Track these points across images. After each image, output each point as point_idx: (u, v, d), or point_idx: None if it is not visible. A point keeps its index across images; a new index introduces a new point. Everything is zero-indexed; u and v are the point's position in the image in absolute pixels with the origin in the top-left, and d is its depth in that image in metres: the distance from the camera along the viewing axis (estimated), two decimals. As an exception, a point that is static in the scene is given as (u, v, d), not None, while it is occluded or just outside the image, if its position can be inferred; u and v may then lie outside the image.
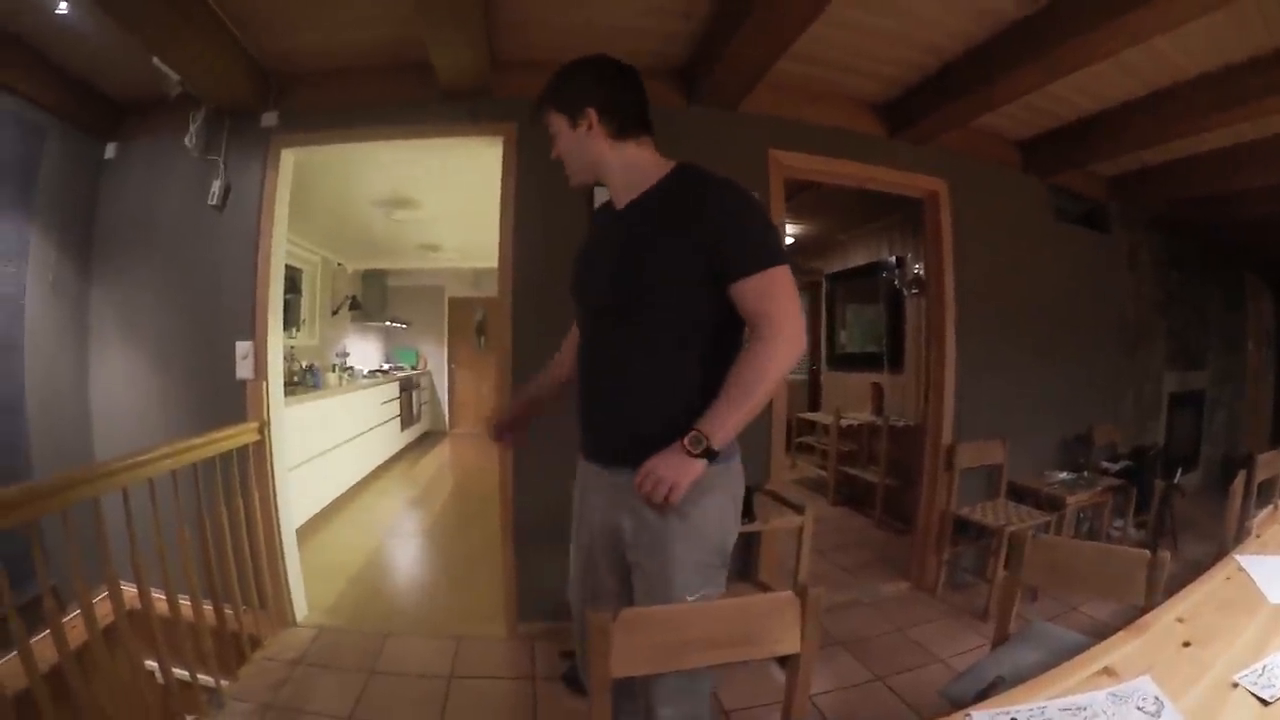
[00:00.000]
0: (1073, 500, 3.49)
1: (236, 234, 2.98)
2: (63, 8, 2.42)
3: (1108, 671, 1.13)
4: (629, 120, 1.43)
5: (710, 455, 1.29)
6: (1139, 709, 1.02)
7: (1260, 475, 2.99)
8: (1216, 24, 2.38)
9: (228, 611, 2.65)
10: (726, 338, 1.39)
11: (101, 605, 2.07)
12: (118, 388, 3.19)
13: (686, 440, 1.27)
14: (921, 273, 4.72)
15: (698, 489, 1.32)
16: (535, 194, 2.90)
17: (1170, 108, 3.07)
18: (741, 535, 2.88)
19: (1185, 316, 5.38)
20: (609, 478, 1.45)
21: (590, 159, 1.44)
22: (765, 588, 2.91)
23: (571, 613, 1.62)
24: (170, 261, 3.10)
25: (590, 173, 1.47)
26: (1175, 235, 5.15)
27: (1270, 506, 2.43)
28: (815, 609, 1.21)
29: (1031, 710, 1.01)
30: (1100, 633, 1.31)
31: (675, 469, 1.28)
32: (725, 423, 1.28)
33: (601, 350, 1.45)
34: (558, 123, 1.44)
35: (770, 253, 1.32)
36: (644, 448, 1.31)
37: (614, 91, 1.43)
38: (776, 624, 1.22)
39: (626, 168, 1.44)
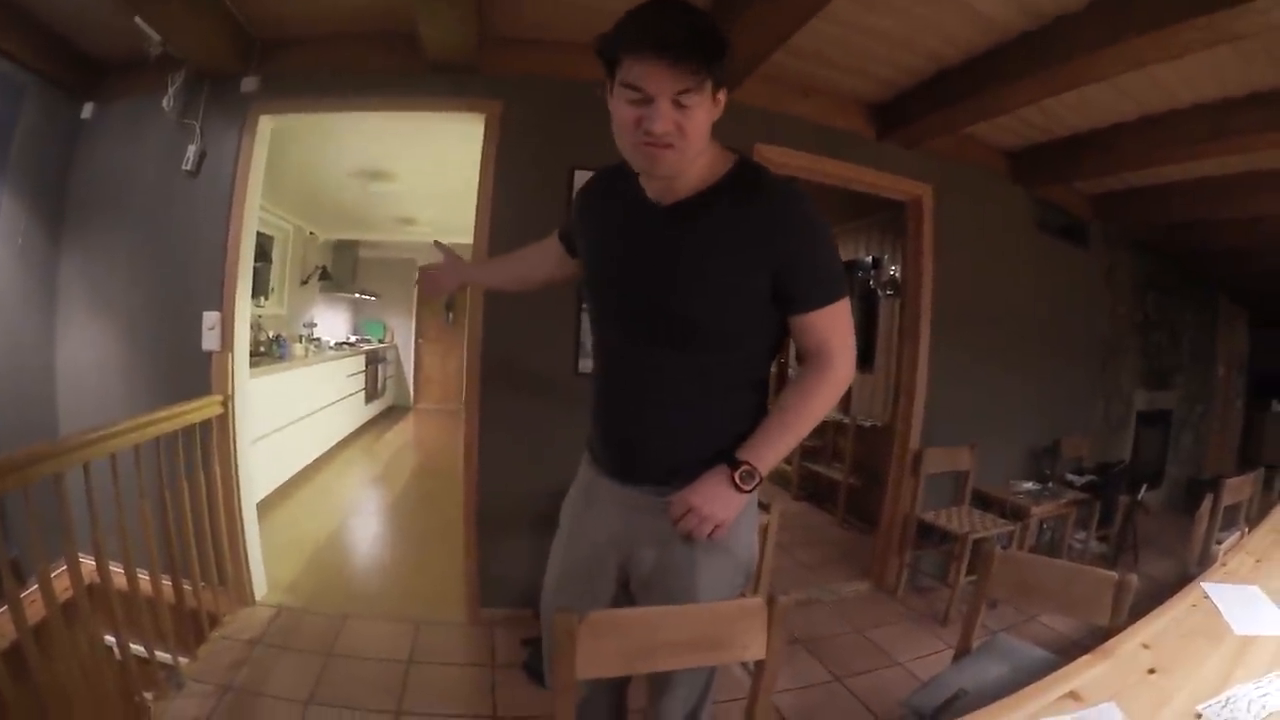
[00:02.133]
0: (1037, 511, 3.53)
1: (209, 202, 2.89)
2: None
3: (1073, 695, 1.13)
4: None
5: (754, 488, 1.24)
6: (1103, 735, 1.01)
7: (1226, 500, 3.04)
8: (1220, 57, 2.39)
9: (187, 588, 2.59)
10: (773, 358, 1.33)
11: (60, 580, 2.01)
12: (84, 355, 3.11)
13: (738, 475, 1.20)
14: (897, 274, 4.74)
15: (735, 520, 1.27)
16: (515, 174, 2.85)
17: (1162, 133, 3.09)
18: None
19: (1158, 336, 5.48)
20: (626, 494, 1.32)
21: (703, 146, 1.14)
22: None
23: (541, 617, 1.52)
24: (142, 227, 3.01)
25: (698, 162, 1.16)
26: (1153, 256, 5.23)
27: (1237, 533, 2.47)
28: (782, 617, 1.23)
29: (998, 734, 1.00)
30: (1060, 645, 1.32)
31: (721, 505, 1.21)
32: (771, 455, 1.23)
33: (643, 368, 1.26)
34: (702, 93, 1.05)
35: (841, 284, 1.23)
36: (682, 476, 1.24)
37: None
38: (744, 629, 1.22)
39: (700, 159, 1.17)
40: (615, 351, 1.32)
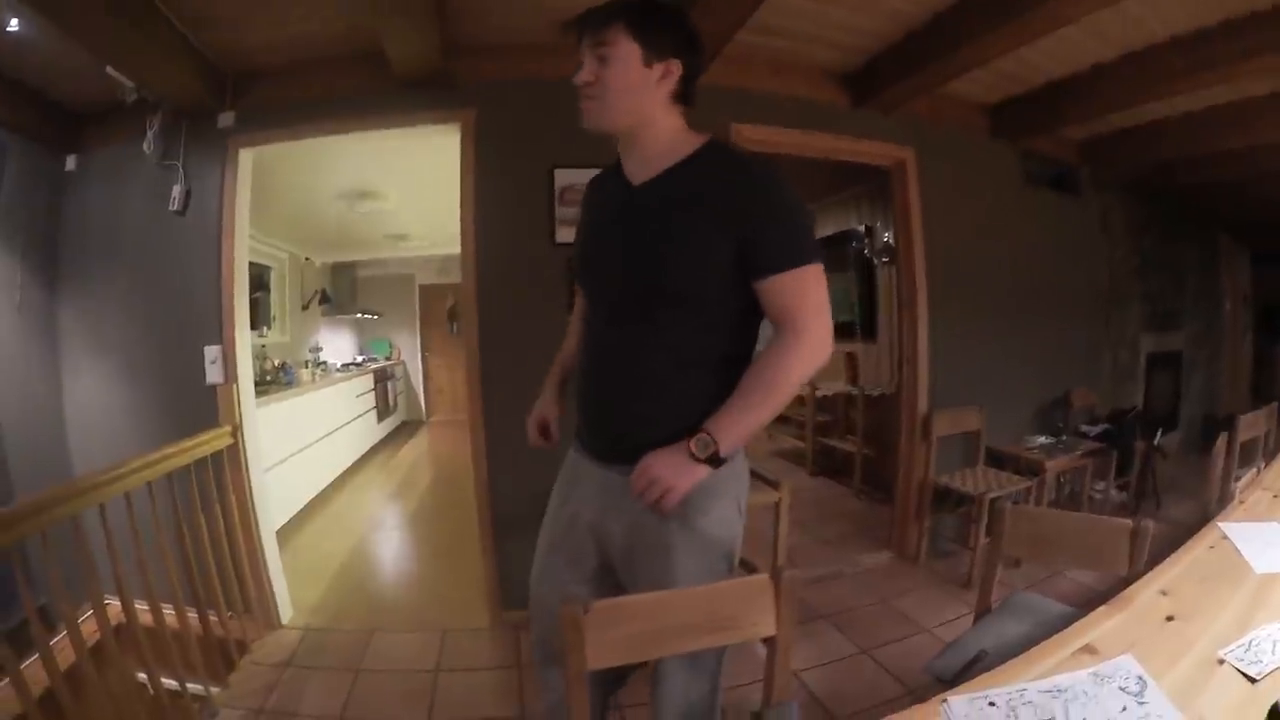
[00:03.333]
0: (1052, 465, 3.51)
1: (199, 238, 2.93)
2: (13, 25, 2.37)
3: (1089, 649, 1.11)
4: (692, 91, 1.29)
5: (715, 462, 1.20)
6: (1121, 689, 0.99)
7: (1242, 436, 3.00)
8: None
9: (213, 618, 2.64)
10: (749, 334, 1.31)
11: (87, 623, 2.06)
12: (91, 400, 3.16)
13: (692, 443, 1.19)
14: (891, 241, 4.71)
15: (704, 494, 1.25)
16: (496, 179, 2.87)
17: (1142, 71, 3.04)
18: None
19: (1160, 279, 5.41)
20: (604, 474, 1.35)
21: (640, 109, 1.25)
22: (747, 565, 2.91)
23: (531, 594, 1.58)
24: (135, 270, 3.06)
25: (625, 120, 1.26)
26: (1148, 198, 5.16)
27: (1253, 470, 2.44)
28: (791, 591, 1.21)
29: (1010, 693, 0.99)
30: (1086, 598, 1.31)
31: (674, 471, 1.19)
32: (737, 427, 1.21)
33: (615, 342, 1.31)
34: (625, 47, 1.21)
35: (806, 249, 1.22)
36: (650, 450, 1.24)
37: (699, 58, 1.29)
38: (753, 607, 1.21)
39: (664, 135, 1.28)
40: (597, 333, 1.37)
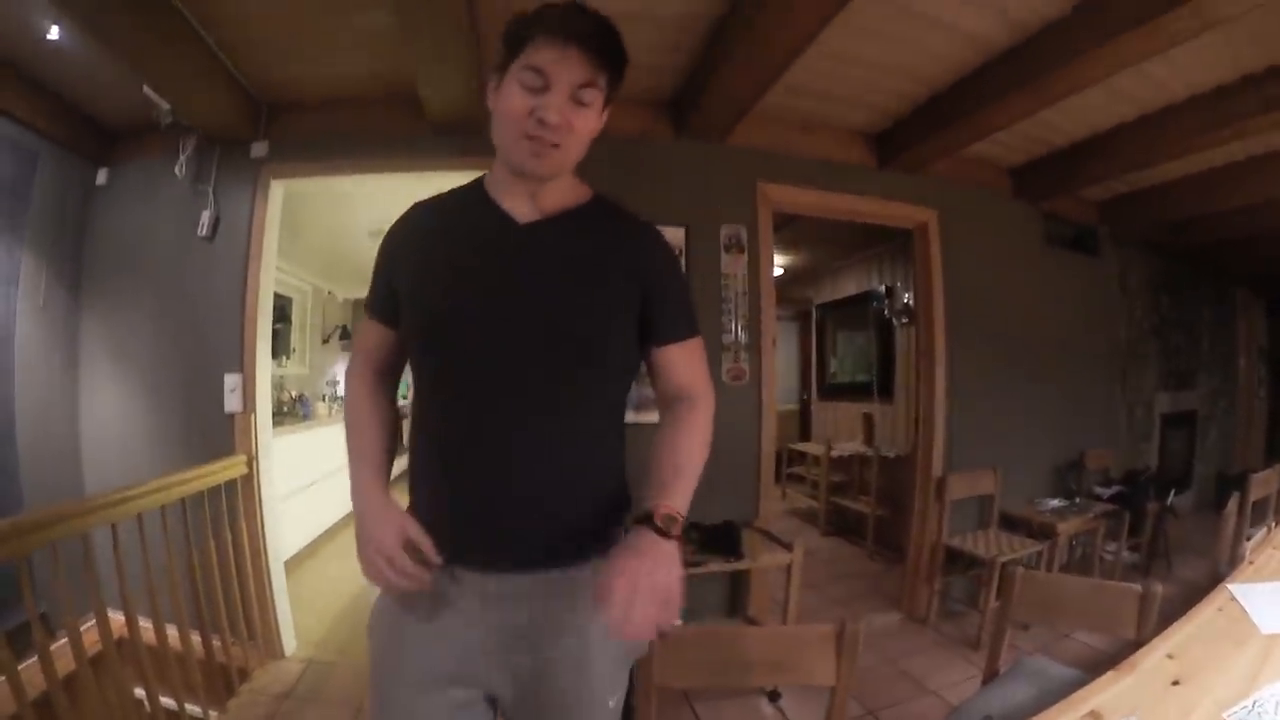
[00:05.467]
0: (1064, 528, 3.48)
1: (226, 266, 2.96)
2: (53, 33, 2.40)
3: (1094, 715, 1.11)
4: None
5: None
6: (1126, 753, 0.99)
7: (1254, 495, 2.98)
8: (1207, 45, 2.35)
9: (216, 643, 2.63)
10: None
11: (89, 634, 2.06)
12: (108, 415, 3.16)
13: (660, 521, 0.97)
14: (911, 302, 4.73)
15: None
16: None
17: (1161, 130, 3.07)
18: (729, 573, 2.90)
19: (1176, 336, 5.40)
20: (515, 585, 1.05)
21: (581, 156, 1.08)
22: (754, 623, 2.90)
23: None
24: (160, 291, 3.08)
25: (568, 171, 1.10)
26: (1166, 255, 5.17)
27: (1264, 529, 2.42)
28: (853, 645, 1.29)
29: (1016, 758, 1.00)
30: (1096, 660, 1.31)
31: (672, 570, 0.94)
32: (685, 502, 1.03)
33: (521, 403, 1.03)
34: (598, 93, 1.02)
35: (696, 319, 1.19)
36: (575, 542, 1.05)
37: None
38: (814, 655, 1.30)
39: (568, 179, 1.13)
40: (473, 396, 1.04)
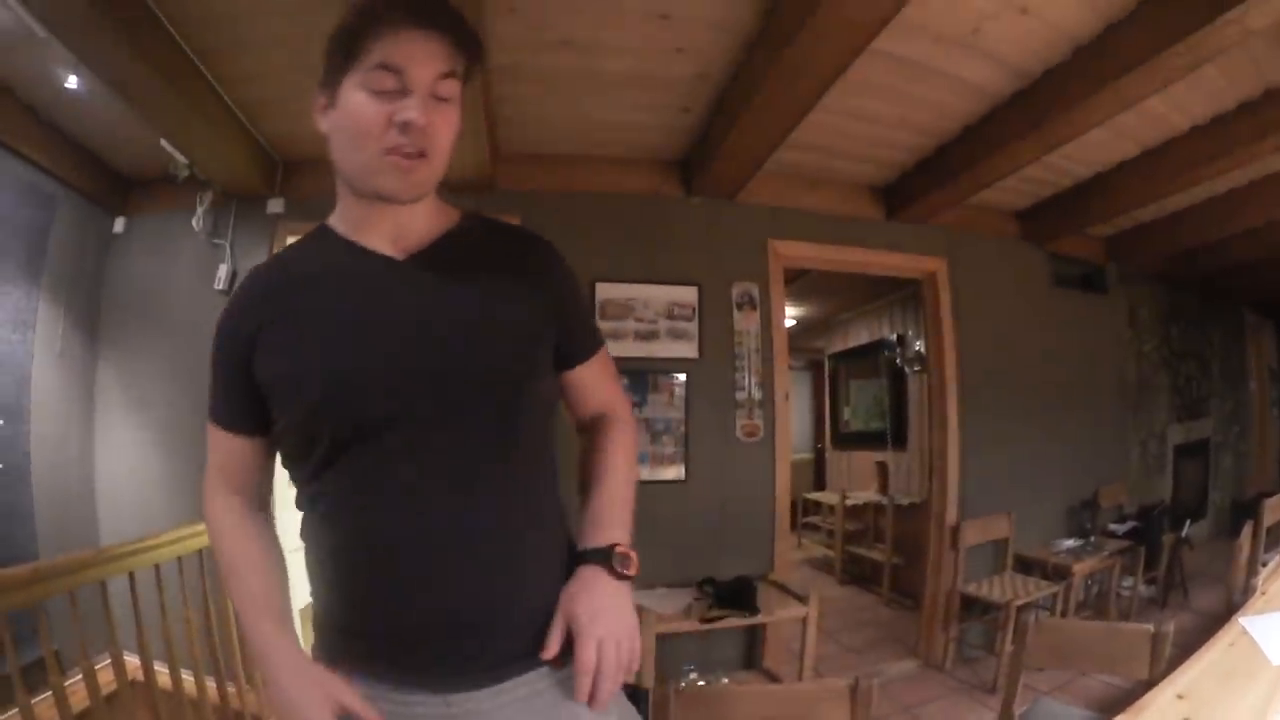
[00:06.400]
0: (1079, 568, 3.47)
1: (241, 320, 2.98)
2: (71, 82, 2.44)
3: None
4: None
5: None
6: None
7: (1268, 520, 2.96)
8: (1206, 77, 2.38)
9: (230, 689, 2.64)
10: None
11: (104, 674, 2.05)
12: (123, 462, 3.18)
13: (615, 563, 0.88)
14: (922, 349, 4.73)
15: None
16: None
17: (1164, 163, 3.10)
18: (746, 626, 2.89)
19: (1187, 366, 5.39)
20: (468, 704, 0.83)
21: (445, 167, 0.89)
22: (771, 675, 2.89)
23: None
24: (176, 342, 3.10)
25: (435, 186, 0.91)
26: (1173, 287, 5.18)
27: (1277, 556, 2.40)
28: (866, 700, 1.30)
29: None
30: (1114, 698, 1.31)
31: (633, 616, 0.87)
32: (626, 526, 0.95)
33: (437, 487, 0.84)
34: (458, 85, 0.87)
35: (596, 328, 1.11)
36: (539, 624, 0.86)
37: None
38: (827, 710, 1.31)
39: (432, 199, 0.94)
40: (394, 484, 0.84)
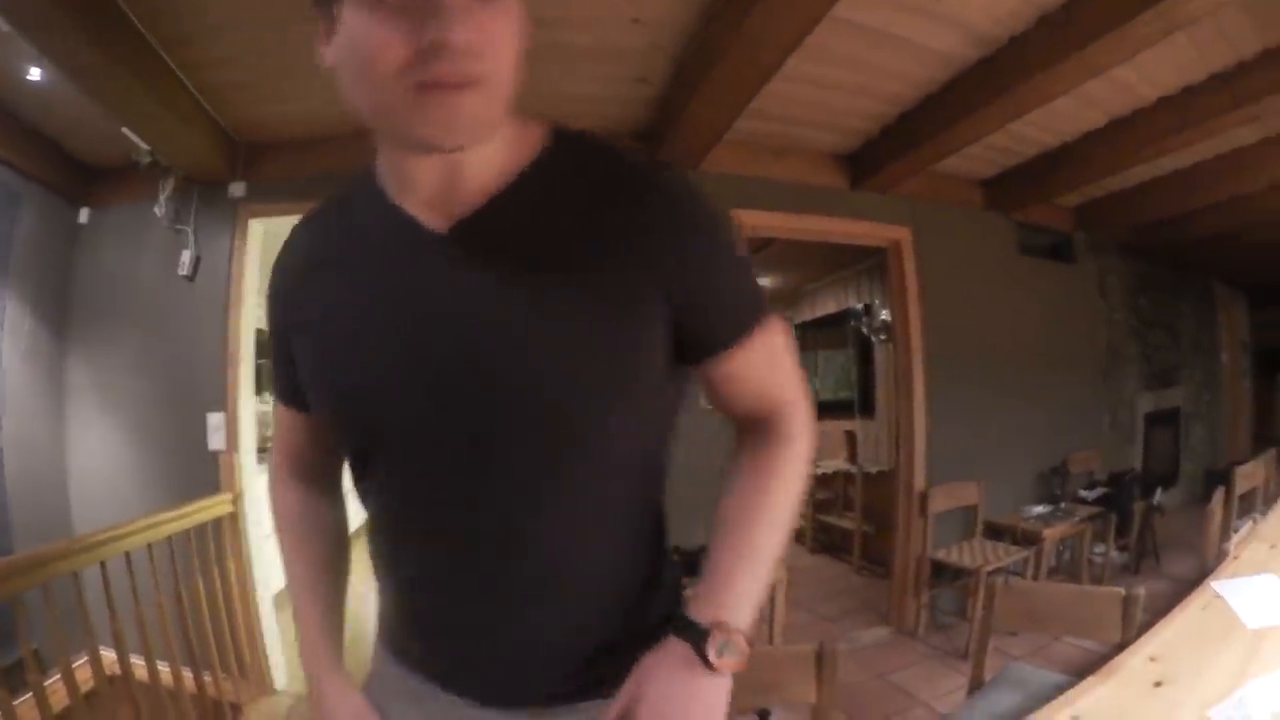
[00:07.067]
0: (1050, 533, 3.52)
1: (207, 305, 2.98)
2: (34, 74, 2.42)
3: None
4: None
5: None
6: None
7: (1240, 487, 3.00)
8: (1176, 46, 2.36)
9: (207, 679, 2.64)
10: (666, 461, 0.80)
11: (82, 671, 2.07)
12: (94, 454, 3.17)
13: (712, 649, 0.66)
14: (889, 319, 4.76)
15: None
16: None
17: (1132, 134, 3.10)
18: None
19: (1157, 336, 5.46)
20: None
21: (507, 70, 0.60)
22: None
23: None
24: (143, 331, 3.09)
25: (502, 118, 0.62)
26: (1143, 257, 5.22)
27: (1249, 521, 2.44)
28: (832, 663, 1.33)
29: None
30: (1088, 662, 1.33)
31: (688, 706, 0.67)
32: (750, 601, 0.71)
33: (483, 504, 0.70)
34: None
35: (761, 294, 0.78)
36: (602, 665, 0.74)
37: None
38: (795, 675, 1.33)
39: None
40: (426, 519, 0.75)
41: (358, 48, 0.57)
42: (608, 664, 0.72)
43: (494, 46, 0.57)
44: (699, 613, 0.69)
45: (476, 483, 0.69)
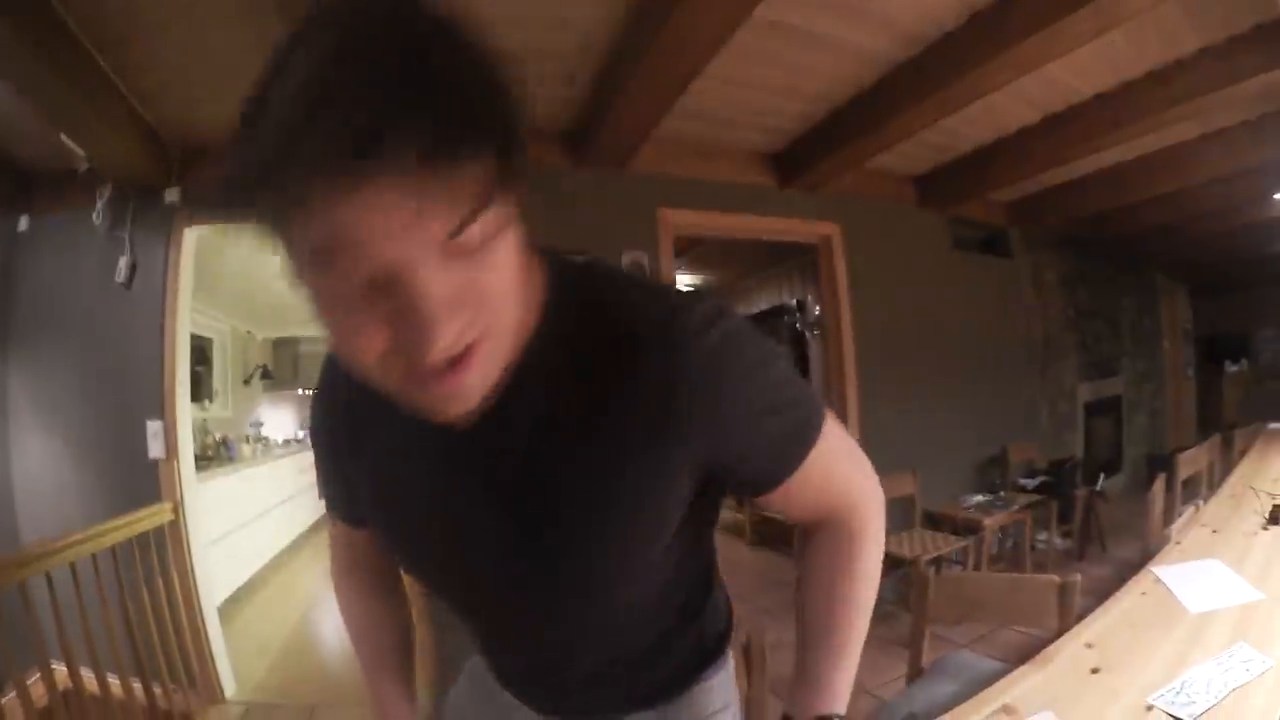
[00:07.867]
0: (990, 522, 3.58)
1: (143, 312, 2.95)
2: None
3: (1007, 710, 1.11)
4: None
5: None
6: (1039, 747, 0.97)
7: (1183, 473, 3.02)
8: (1112, 44, 2.37)
9: (157, 690, 2.62)
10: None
11: (35, 687, 2.08)
12: (38, 466, 3.12)
13: None
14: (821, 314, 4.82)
15: None
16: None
17: (1067, 131, 3.13)
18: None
19: (1096, 327, 5.58)
20: None
21: (516, 309, 0.54)
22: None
23: None
24: (82, 339, 3.05)
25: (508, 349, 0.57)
26: (1080, 250, 5.32)
27: (1192, 507, 2.43)
28: (760, 655, 1.35)
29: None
30: (1033, 649, 1.33)
31: None
32: (848, 690, 0.76)
33: (536, 632, 0.78)
34: (496, 206, 0.46)
35: (814, 409, 0.70)
36: (647, 687, 0.85)
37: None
38: None
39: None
40: (475, 614, 0.83)
41: (330, 324, 0.48)
42: (651, 687, 0.84)
43: (488, 299, 0.48)
44: (807, 705, 0.75)
45: (525, 618, 0.75)
